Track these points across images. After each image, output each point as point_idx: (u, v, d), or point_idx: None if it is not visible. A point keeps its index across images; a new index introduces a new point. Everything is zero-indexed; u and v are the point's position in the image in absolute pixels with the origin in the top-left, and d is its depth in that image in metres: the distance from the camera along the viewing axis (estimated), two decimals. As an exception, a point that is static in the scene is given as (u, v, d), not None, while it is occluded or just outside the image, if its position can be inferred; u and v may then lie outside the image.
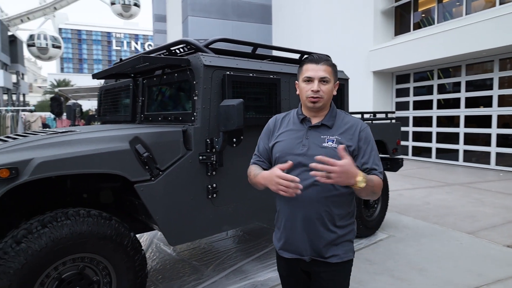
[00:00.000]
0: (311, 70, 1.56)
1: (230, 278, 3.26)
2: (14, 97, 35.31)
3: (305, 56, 1.69)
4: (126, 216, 2.92)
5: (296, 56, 3.76)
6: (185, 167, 2.56)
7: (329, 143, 1.54)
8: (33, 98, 57.23)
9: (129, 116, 3.38)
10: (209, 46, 2.99)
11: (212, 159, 2.63)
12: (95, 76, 3.29)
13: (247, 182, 2.89)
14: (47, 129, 3.05)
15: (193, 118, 2.67)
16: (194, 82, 2.68)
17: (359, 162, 1.55)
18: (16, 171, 1.90)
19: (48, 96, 45.64)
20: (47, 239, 1.94)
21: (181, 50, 3.07)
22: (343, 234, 1.57)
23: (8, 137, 2.72)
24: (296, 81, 1.68)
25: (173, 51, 3.08)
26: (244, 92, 2.85)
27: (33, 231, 1.94)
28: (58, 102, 6.05)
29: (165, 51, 3.09)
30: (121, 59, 3.10)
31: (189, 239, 2.66)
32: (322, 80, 1.55)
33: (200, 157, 2.62)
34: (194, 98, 2.68)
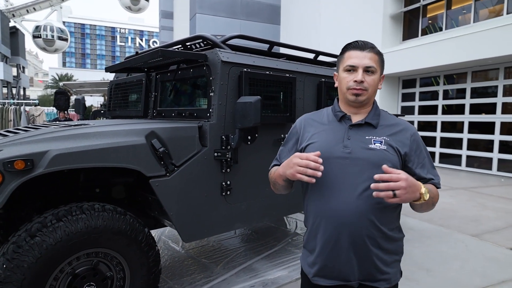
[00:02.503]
0: (355, 57, 1.34)
1: (240, 276, 3.23)
2: (14, 90, 35.26)
3: (347, 43, 1.42)
4: (138, 212, 2.88)
5: (310, 56, 3.74)
6: (200, 163, 2.53)
7: (376, 144, 1.32)
8: (34, 92, 57.15)
9: (141, 111, 3.34)
10: (226, 43, 2.95)
11: (227, 156, 2.60)
12: (109, 70, 3.26)
13: (260, 180, 2.90)
14: (57, 122, 3.01)
15: (208, 114, 2.64)
16: (211, 78, 2.65)
17: (413, 172, 1.37)
18: (32, 163, 1.87)
19: (49, 91, 45.54)
20: (62, 233, 1.91)
21: (197, 45, 3.04)
22: (394, 251, 1.38)
23: (18, 129, 2.68)
24: (335, 72, 1.46)
25: (189, 46, 3.04)
26: (260, 90, 2.82)
27: (48, 225, 1.90)
28: (66, 97, 6.02)
29: (180, 46, 3.06)
30: (137, 52, 3.07)
31: (203, 236, 2.63)
32: (367, 70, 1.33)
33: (215, 154, 2.60)
34: (211, 94, 2.64)
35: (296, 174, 1.21)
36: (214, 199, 2.63)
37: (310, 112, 1.59)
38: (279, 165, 1.46)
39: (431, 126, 11.49)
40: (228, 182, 2.70)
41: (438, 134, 11.21)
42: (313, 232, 1.39)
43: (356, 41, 1.38)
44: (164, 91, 3.24)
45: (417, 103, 11.97)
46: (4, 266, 1.77)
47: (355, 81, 1.33)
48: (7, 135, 2.36)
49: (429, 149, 11.49)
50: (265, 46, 3.35)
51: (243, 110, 2.38)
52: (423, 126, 11.82)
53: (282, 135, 3.08)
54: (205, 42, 2.94)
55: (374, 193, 1.15)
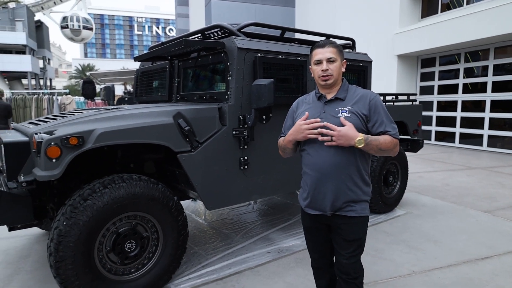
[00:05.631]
0: (319, 53, 1.84)
1: (257, 244, 3.58)
2: (41, 81, 36.60)
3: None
4: (166, 185, 3.25)
5: (322, 39, 3.95)
6: (220, 140, 2.86)
7: (342, 113, 1.81)
8: (59, 83, 58.97)
9: (165, 96, 3.68)
10: (241, 30, 3.22)
11: (244, 133, 2.91)
12: (138, 59, 3.60)
13: (275, 155, 3.22)
14: (97, 107, 3.38)
15: (227, 96, 2.94)
16: (229, 63, 2.94)
17: (373, 128, 1.83)
18: (82, 140, 2.23)
19: (74, 81, 47.00)
20: (108, 197, 2.29)
21: (215, 34, 3.32)
22: (361, 193, 1.85)
23: (63, 114, 3.08)
24: (310, 66, 1.95)
25: (207, 35, 3.33)
26: (273, 73, 3.09)
27: (97, 191, 2.29)
28: (93, 86, 6.45)
29: (199, 35, 3.35)
30: (162, 43, 3.39)
31: (224, 204, 2.97)
32: (329, 60, 1.82)
33: (234, 132, 2.91)
34: (228, 78, 2.94)
35: (307, 135, 1.79)
36: (233, 172, 2.96)
37: None
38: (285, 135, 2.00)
39: (451, 106, 11.37)
40: (246, 158, 3.02)
41: (459, 114, 11.09)
42: (305, 177, 1.93)
43: (319, 42, 1.89)
44: (186, 77, 3.56)
45: (436, 83, 11.84)
46: (64, 223, 2.17)
47: (322, 70, 1.83)
48: (48, 121, 2.75)
49: (449, 129, 11.44)
50: (279, 32, 3.59)
51: (258, 91, 2.67)
52: (443, 106, 11.69)
53: (295, 115, 3.35)
54: (222, 31, 3.21)
55: (319, 138, 1.74)
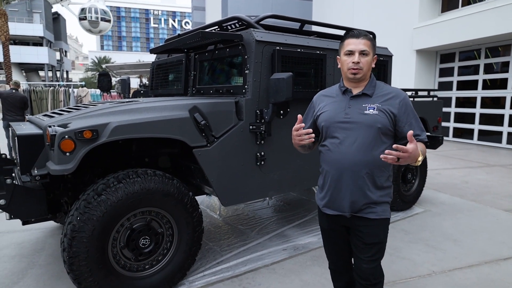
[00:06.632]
0: (352, 44, 1.70)
1: (273, 241, 3.51)
2: (58, 74, 37.15)
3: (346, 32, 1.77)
4: (181, 180, 3.20)
5: (341, 32, 3.82)
6: (237, 135, 2.78)
7: (370, 110, 1.70)
8: (75, 75, 59.78)
9: (181, 89, 3.62)
10: (259, 23, 3.12)
11: (261, 128, 2.83)
12: (154, 51, 3.54)
13: (292, 151, 3.12)
14: (112, 100, 3.34)
15: (244, 90, 2.86)
16: (246, 56, 2.85)
17: (403, 129, 1.70)
18: (97, 133, 2.18)
19: (90, 73, 47.56)
20: (122, 192, 2.25)
21: (232, 26, 3.23)
22: (382, 195, 1.74)
23: (77, 107, 3.05)
24: (338, 56, 1.82)
25: (225, 27, 3.24)
26: (292, 67, 2.99)
27: (111, 186, 2.24)
28: (108, 78, 6.43)
29: (217, 27, 3.27)
30: (179, 35, 3.32)
31: (239, 201, 2.90)
32: (362, 53, 1.69)
33: (251, 127, 2.83)
34: (246, 71, 2.85)
35: (299, 142, 1.71)
36: (249, 168, 2.88)
37: None
38: None
39: (471, 102, 11.07)
40: (262, 153, 2.94)
41: (478, 110, 10.81)
42: (323, 174, 1.83)
43: (353, 31, 1.75)
44: (202, 70, 3.48)
45: (455, 78, 11.53)
46: (78, 218, 2.13)
47: (353, 62, 1.70)
48: (62, 114, 2.72)
49: (467, 126, 11.15)
50: (297, 25, 3.48)
51: (276, 86, 2.58)
52: (462, 102, 11.39)
53: (313, 110, 3.26)
54: (240, 23, 3.12)
55: (382, 156, 1.51)
